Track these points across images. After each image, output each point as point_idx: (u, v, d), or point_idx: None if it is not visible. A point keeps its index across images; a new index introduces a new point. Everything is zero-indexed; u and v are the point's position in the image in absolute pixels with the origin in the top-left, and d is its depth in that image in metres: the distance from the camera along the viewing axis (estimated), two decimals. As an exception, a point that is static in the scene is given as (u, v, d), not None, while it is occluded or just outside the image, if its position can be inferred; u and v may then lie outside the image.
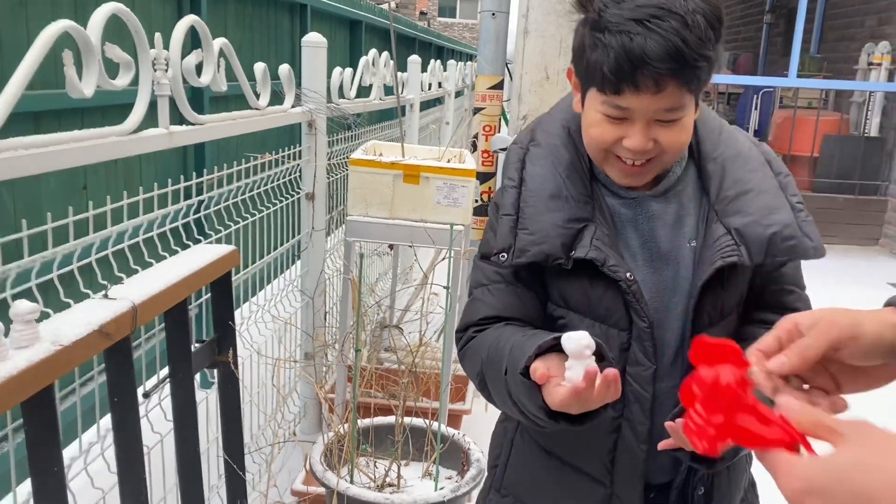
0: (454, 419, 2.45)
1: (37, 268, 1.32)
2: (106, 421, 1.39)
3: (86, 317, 1.17)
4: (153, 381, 1.56)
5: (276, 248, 2.49)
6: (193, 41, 1.71)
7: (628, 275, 1.03)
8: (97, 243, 1.45)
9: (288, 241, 2.53)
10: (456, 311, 2.46)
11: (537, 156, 1.10)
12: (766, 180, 1.07)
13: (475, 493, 1.77)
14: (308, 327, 2.56)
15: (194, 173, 2.02)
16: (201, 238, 2.03)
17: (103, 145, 1.29)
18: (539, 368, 0.90)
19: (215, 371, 1.75)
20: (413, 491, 1.73)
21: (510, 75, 3.96)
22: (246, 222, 2.21)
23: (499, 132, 3.87)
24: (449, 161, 2.57)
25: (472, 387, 2.68)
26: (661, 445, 1.01)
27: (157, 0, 3.00)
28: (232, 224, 2.13)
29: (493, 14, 3.75)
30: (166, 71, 1.48)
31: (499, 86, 3.83)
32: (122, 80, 1.32)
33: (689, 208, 1.09)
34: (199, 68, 1.64)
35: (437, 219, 2.27)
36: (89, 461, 1.41)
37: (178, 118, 1.62)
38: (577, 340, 0.87)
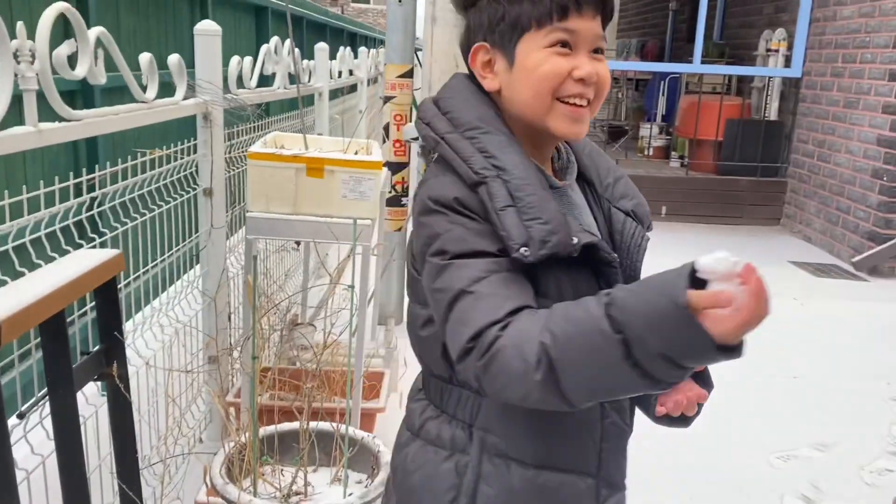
0: (368, 418, 2.39)
1: None
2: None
3: (-63, 338, 1.05)
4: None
5: (174, 248, 2.37)
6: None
7: (616, 256, 1.07)
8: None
9: (188, 240, 2.41)
10: (366, 308, 2.40)
11: (501, 143, 1.03)
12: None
13: (386, 496, 1.72)
14: (210, 330, 2.45)
15: (85, 170, 1.89)
16: (95, 237, 1.90)
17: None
18: (700, 294, 0.79)
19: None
20: (321, 499, 1.67)
21: (420, 63, 3.90)
22: (142, 219, 2.09)
23: (410, 121, 3.81)
24: (357, 152, 2.50)
25: (386, 383, 2.63)
26: (660, 412, 1.09)
27: (36, -16, 2.80)
28: (128, 222, 2.01)
29: (400, 1, 3.68)
30: (32, 63, 1.36)
31: (408, 74, 3.77)
32: (-24, 74, 1.20)
33: (584, 198, 1.16)
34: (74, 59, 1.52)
35: (345, 213, 2.20)
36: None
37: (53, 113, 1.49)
38: (725, 258, 0.78)
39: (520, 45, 1.04)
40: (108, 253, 1.58)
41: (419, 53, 4.03)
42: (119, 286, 1.76)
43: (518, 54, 1.04)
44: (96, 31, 1.58)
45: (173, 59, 2.04)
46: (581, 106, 1.04)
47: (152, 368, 2.11)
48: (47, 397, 1.41)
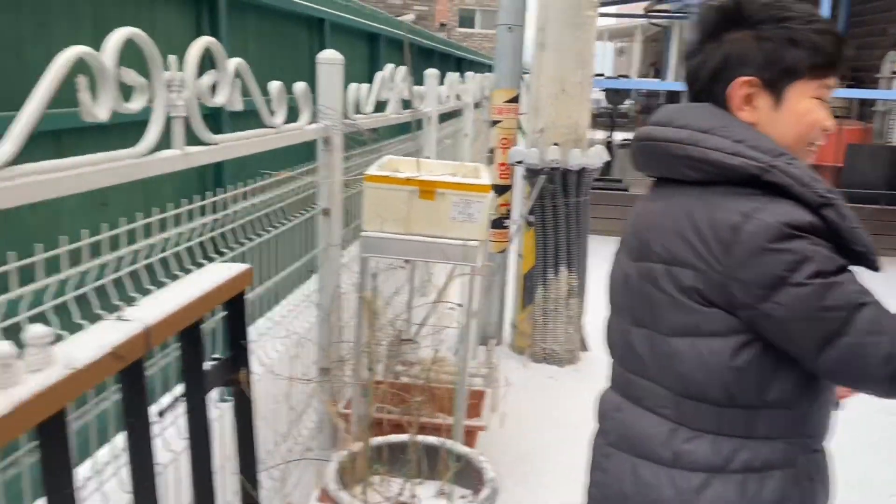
0: (469, 436, 2.43)
1: (53, 289, 1.34)
2: (119, 439, 1.40)
3: (99, 339, 1.18)
4: (169, 398, 1.57)
5: (291, 264, 2.50)
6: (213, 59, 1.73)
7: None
8: (112, 263, 1.46)
9: (303, 257, 2.55)
10: (470, 327, 2.46)
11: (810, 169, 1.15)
12: None
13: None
14: (324, 342, 2.56)
15: (211, 191, 2.04)
16: (220, 254, 2.04)
17: (118, 168, 1.30)
18: None
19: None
20: (426, 510, 1.72)
21: (527, 88, 3.96)
22: (263, 238, 2.23)
23: (515, 145, 3.86)
24: (464, 175, 2.57)
25: (488, 402, 2.67)
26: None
27: (176, 15, 3.03)
28: (248, 241, 2.15)
29: (510, 28, 3.76)
30: (181, 92, 1.49)
31: (515, 99, 3.83)
32: (137, 104, 1.33)
33: None
34: (214, 87, 1.65)
35: (453, 234, 2.27)
36: (103, 480, 1.42)
37: (194, 137, 1.63)
38: None
39: (791, 90, 1.14)
40: (238, 267, 1.70)
41: (525, 78, 4.08)
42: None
43: (788, 98, 1.14)
44: (234, 62, 1.72)
45: (299, 86, 2.17)
46: (815, 150, 1.18)
47: (268, 377, 2.23)
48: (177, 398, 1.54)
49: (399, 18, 6.94)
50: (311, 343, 2.58)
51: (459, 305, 1.91)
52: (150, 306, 1.35)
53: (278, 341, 2.28)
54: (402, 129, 4.88)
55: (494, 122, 3.82)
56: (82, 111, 1.19)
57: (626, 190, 7.59)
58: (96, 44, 1.21)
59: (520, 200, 3.93)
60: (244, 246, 2.08)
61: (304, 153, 4.54)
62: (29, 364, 1.04)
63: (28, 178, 1.05)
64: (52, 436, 1.10)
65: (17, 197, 1.02)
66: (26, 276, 1.31)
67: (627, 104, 13.35)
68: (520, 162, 3.68)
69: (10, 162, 1.03)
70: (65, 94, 1.14)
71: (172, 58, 1.48)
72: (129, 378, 1.29)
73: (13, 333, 1.19)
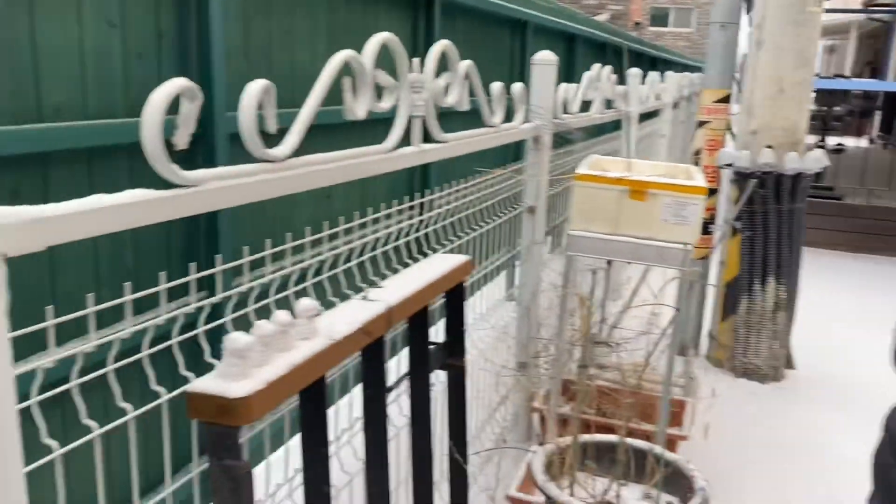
0: (670, 445, 2.38)
1: (295, 276, 1.50)
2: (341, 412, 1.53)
3: (351, 316, 1.30)
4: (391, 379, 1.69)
5: (488, 259, 2.58)
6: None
7: None
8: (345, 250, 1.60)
9: (499, 253, 2.62)
10: (677, 332, 2.40)
11: None
12: None
13: (697, 523, 1.71)
14: (522, 337, 2.62)
15: (418, 190, 2.16)
16: (426, 250, 2.16)
17: (368, 163, 1.42)
18: None
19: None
20: (633, 512, 1.71)
21: (739, 88, 3.78)
22: (474, 234, 2.32)
23: (724, 147, 3.70)
24: (676, 176, 2.51)
25: (689, 412, 2.59)
26: None
27: (396, 20, 3.22)
28: (457, 238, 2.25)
29: (723, 25, 3.60)
30: (420, 93, 1.60)
31: (726, 99, 3.67)
32: (386, 103, 1.45)
33: None
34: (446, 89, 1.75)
35: (663, 237, 2.23)
36: (340, 447, 1.56)
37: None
38: None
39: None
40: (460, 258, 1.79)
41: (737, 78, 3.90)
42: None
43: None
44: (465, 64, 1.81)
45: (517, 87, 2.23)
46: None
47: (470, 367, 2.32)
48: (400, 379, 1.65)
49: (594, 18, 6.88)
50: (509, 338, 2.64)
51: (678, 310, 1.87)
52: (390, 289, 1.46)
53: (482, 333, 2.37)
54: (601, 129, 4.84)
55: (702, 123, 3.69)
56: (345, 109, 1.32)
57: (838, 199, 7.00)
58: (331, 49, 1.33)
59: (725, 205, 3.76)
60: (454, 242, 2.18)
61: (499, 152, 4.63)
62: (299, 333, 1.17)
63: (308, 168, 1.18)
64: (313, 399, 1.23)
65: (299, 184, 1.15)
66: (275, 257, 1.47)
67: (842, 106, 12.26)
68: (729, 165, 3.52)
69: (292, 154, 1.16)
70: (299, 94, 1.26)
71: (415, 61, 1.59)
72: (372, 353, 1.41)
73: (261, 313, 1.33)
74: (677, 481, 1.82)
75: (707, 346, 3.88)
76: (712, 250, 3.76)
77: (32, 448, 0.72)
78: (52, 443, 0.85)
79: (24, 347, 0.68)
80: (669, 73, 6.00)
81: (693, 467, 1.81)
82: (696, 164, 3.73)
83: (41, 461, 0.82)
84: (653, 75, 5.10)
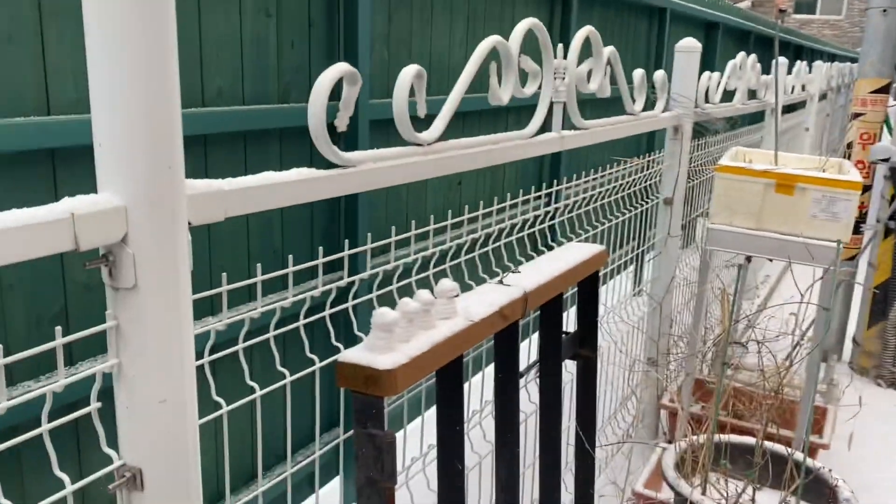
0: (810, 452, 2.26)
1: (435, 257, 1.53)
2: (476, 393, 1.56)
3: (488, 298, 1.31)
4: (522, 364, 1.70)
5: (616, 251, 2.53)
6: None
7: None
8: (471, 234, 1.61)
9: (629, 244, 2.56)
10: (821, 335, 2.26)
11: None
12: None
13: (840, 536, 1.62)
14: (653, 333, 2.55)
15: (546, 179, 2.14)
16: (560, 241, 2.14)
17: (510, 148, 1.43)
18: None
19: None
20: (769, 518, 1.64)
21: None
22: (608, 224, 2.28)
23: (879, 140, 3.44)
24: (827, 171, 2.37)
25: (831, 420, 2.45)
26: None
27: (533, 8, 3.21)
28: (589, 228, 2.22)
29: (885, 10, 3.34)
30: (563, 79, 1.59)
31: (884, 90, 3.41)
32: (531, 88, 1.45)
33: None
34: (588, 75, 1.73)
35: (812, 233, 2.11)
36: (471, 428, 1.58)
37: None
38: None
39: None
40: (595, 248, 1.77)
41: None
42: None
43: None
44: (608, 50, 1.78)
45: (659, 75, 2.17)
46: None
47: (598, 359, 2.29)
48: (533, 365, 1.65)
49: (736, 5, 6.56)
50: (640, 332, 2.59)
51: (826, 310, 1.77)
52: (526, 275, 1.47)
53: (613, 326, 2.33)
54: (742, 120, 4.63)
55: (856, 115, 3.44)
56: (490, 95, 1.33)
57: None
58: (468, 38, 1.34)
59: (878, 203, 3.50)
60: (587, 233, 2.15)
61: (631, 143, 4.52)
62: (439, 312, 1.20)
63: (453, 151, 1.20)
64: (450, 377, 1.26)
65: (446, 167, 1.18)
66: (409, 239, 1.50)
67: None
68: (885, 160, 3.27)
69: (438, 138, 1.19)
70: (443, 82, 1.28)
71: (559, 47, 1.58)
72: (506, 337, 1.42)
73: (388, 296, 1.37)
74: (818, 490, 1.72)
75: (851, 352, 3.64)
76: (862, 251, 3.51)
77: (203, 404, 0.78)
78: (220, 400, 0.92)
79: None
80: (817, 63, 5.63)
81: (837, 476, 1.71)
82: (848, 158, 3.49)
83: (211, 416, 0.89)
84: (800, 65, 4.82)
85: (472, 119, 2.86)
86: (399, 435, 1.35)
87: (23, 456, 1.49)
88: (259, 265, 0.98)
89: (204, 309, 1.83)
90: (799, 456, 1.70)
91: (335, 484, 2.29)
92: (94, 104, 0.65)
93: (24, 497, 1.50)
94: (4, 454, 1.30)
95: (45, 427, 0.68)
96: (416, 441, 1.47)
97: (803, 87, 5.12)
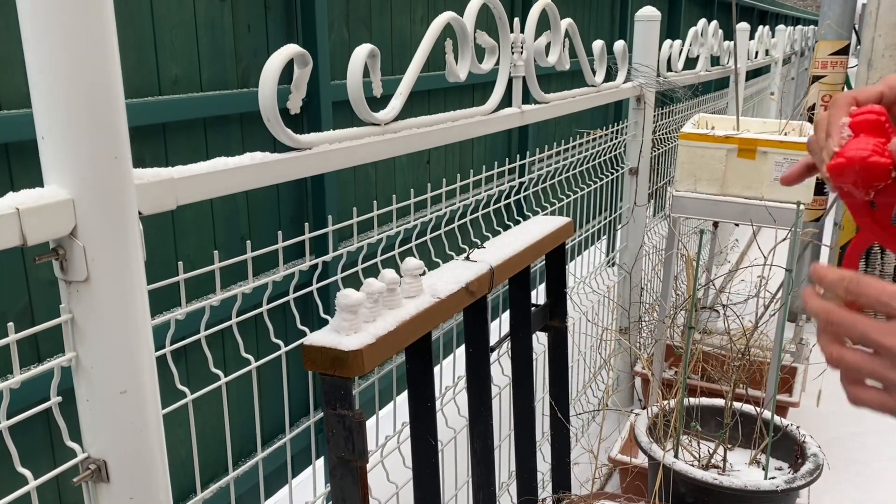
0: (780, 411, 2.31)
1: (400, 237, 1.53)
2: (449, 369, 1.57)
3: (454, 275, 1.32)
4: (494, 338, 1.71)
5: (588, 223, 2.55)
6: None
7: None
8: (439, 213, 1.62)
9: (601, 214, 2.58)
10: (788, 296, 2.31)
11: None
12: None
13: (810, 490, 1.66)
14: (623, 302, 2.58)
15: (515, 153, 2.15)
16: (530, 213, 2.15)
17: (469, 124, 1.43)
18: None
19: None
20: (741, 475, 1.68)
21: (858, 39, 3.54)
22: (568, 200, 2.30)
23: (840, 103, 3.49)
24: (787, 134, 2.40)
25: (799, 379, 2.50)
26: None
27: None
28: (556, 201, 2.23)
29: (841, -30, 3.38)
30: (521, 53, 1.59)
31: (843, 51, 3.45)
32: (487, 64, 1.45)
33: None
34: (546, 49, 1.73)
35: (774, 196, 2.14)
36: (444, 404, 1.60)
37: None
38: None
39: None
40: (561, 220, 1.78)
41: (856, 28, 3.65)
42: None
43: None
44: (566, 22, 1.78)
45: (619, 45, 2.18)
46: None
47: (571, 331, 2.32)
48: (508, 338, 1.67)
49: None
50: (612, 302, 2.62)
51: (789, 271, 1.80)
52: (492, 250, 1.48)
53: (583, 296, 2.35)
54: (706, 88, 4.66)
55: (816, 78, 3.49)
56: (447, 72, 1.33)
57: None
58: (429, 16, 1.34)
59: (841, 164, 3.55)
60: (556, 204, 2.16)
61: (598, 114, 4.52)
62: (405, 290, 1.21)
63: (411, 130, 1.20)
64: (419, 355, 1.27)
65: (404, 146, 1.18)
66: (378, 220, 1.50)
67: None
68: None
69: (396, 117, 1.19)
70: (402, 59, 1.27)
71: (516, 21, 1.58)
72: (474, 312, 1.43)
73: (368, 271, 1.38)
74: (788, 447, 1.77)
75: (820, 312, 3.71)
76: (827, 211, 3.57)
77: (165, 395, 0.79)
78: (184, 389, 0.92)
79: (152, 305, 0.73)
80: (780, 28, 5.68)
81: (805, 433, 1.75)
82: (810, 121, 3.53)
83: (175, 405, 0.89)
84: (762, 30, 4.85)
85: (437, 97, 2.85)
86: (371, 422, 1.36)
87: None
88: (215, 252, 0.98)
89: (172, 299, 1.82)
90: (767, 415, 1.73)
91: (319, 465, 2.30)
92: (34, 96, 0.64)
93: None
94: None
95: (4, 424, 0.67)
96: (390, 425, 1.48)
97: (767, 52, 5.16)
